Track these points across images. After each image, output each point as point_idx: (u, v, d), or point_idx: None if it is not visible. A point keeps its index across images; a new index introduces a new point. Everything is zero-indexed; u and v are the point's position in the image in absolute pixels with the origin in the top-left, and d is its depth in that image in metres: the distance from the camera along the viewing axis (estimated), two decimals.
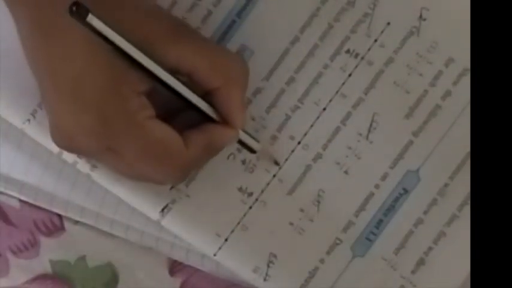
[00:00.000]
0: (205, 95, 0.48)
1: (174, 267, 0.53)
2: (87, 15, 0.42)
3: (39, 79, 0.47)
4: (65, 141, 0.47)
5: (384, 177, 0.51)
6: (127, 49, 0.44)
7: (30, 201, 0.53)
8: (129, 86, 0.45)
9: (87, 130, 0.45)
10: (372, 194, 0.51)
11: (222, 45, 0.51)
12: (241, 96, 0.48)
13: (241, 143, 0.50)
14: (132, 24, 0.45)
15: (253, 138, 0.50)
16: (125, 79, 0.45)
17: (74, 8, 0.42)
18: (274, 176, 0.51)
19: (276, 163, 0.51)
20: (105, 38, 0.44)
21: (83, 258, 0.53)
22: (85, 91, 0.45)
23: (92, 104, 0.45)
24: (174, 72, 0.46)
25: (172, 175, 0.47)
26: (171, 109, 0.48)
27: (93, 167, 0.51)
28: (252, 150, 0.50)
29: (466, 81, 0.51)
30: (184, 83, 0.47)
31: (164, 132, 0.46)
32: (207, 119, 0.48)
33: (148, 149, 0.46)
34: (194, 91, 0.47)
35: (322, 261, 0.51)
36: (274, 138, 0.51)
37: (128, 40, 0.44)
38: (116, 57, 0.45)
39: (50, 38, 0.45)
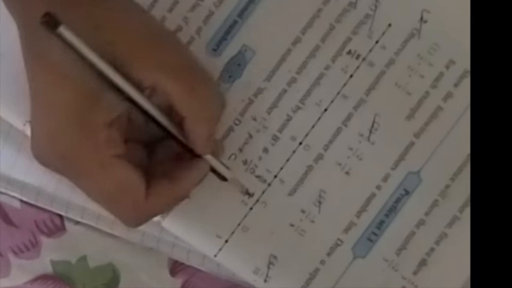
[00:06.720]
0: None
1: (175, 267, 0.53)
2: (58, 26, 0.42)
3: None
4: (39, 158, 0.46)
5: (385, 178, 0.51)
6: (98, 63, 0.43)
7: (31, 201, 0.53)
8: (99, 114, 0.44)
9: (55, 154, 0.44)
10: (373, 195, 0.51)
11: (202, 69, 0.48)
12: (211, 127, 0.47)
13: (212, 170, 0.48)
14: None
15: (225, 165, 0.49)
16: (95, 106, 0.44)
17: (46, 19, 0.42)
18: (275, 176, 0.51)
19: (248, 193, 0.50)
20: (77, 52, 0.43)
21: (83, 259, 0.53)
22: (55, 117, 0.44)
23: (61, 131, 0.44)
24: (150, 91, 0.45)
25: (126, 219, 0.46)
26: (149, 139, 0.47)
27: None
28: (223, 178, 0.49)
29: (467, 83, 0.51)
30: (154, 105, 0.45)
31: (126, 175, 0.45)
32: (180, 145, 0.47)
33: (106, 189, 0.45)
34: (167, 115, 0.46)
35: (322, 262, 0.51)
36: (275, 138, 0.51)
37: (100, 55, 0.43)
38: (88, 78, 0.43)
39: (32, 55, 0.45)
